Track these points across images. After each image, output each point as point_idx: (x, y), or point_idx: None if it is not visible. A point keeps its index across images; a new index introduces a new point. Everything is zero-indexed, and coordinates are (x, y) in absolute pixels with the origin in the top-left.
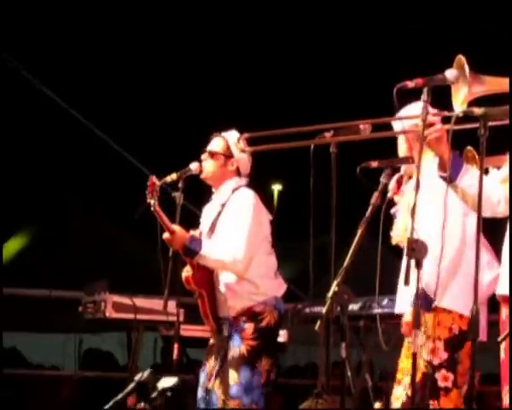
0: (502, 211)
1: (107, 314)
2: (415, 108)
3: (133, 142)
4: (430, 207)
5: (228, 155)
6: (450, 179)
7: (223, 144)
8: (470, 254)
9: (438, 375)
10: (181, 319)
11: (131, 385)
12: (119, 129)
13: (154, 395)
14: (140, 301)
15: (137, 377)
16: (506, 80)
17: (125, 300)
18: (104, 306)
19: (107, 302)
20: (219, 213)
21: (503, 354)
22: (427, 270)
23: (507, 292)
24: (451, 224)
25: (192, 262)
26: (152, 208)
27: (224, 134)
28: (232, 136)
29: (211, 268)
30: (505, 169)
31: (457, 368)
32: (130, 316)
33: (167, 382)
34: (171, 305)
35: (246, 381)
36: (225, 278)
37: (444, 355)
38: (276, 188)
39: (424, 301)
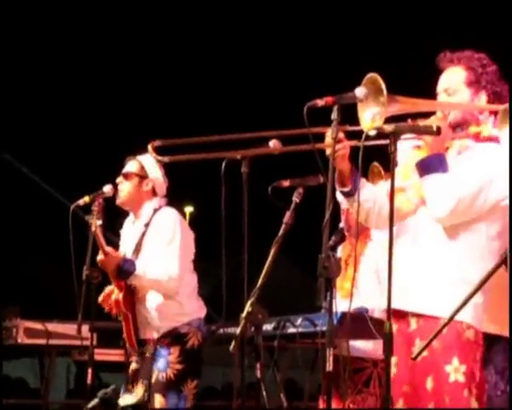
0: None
1: (19, 340)
2: None
3: (47, 171)
4: None
5: (142, 176)
6: (349, 194)
7: (137, 166)
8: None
9: None
10: (94, 343)
11: (94, 401)
12: (32, 158)
13: None
14: (53, 326)
15: (100, 394)
16: (419, 101)
17: (37, 325)
18: (16, 332)
19: (19, 328)
20: (144, 234)
21: (394, 369)
22: None
23: (396, 306)
24: None
25: (120, 284)
26: (93, 228)
27: (137, 157)
28: (147, 158)
29: (143, 288)
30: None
31: None
32: (43, 341)
33: (128, 399)
34: (85, 329)
35: (173, 406)
36: (152, 299)
37: None
38: (188, 210)
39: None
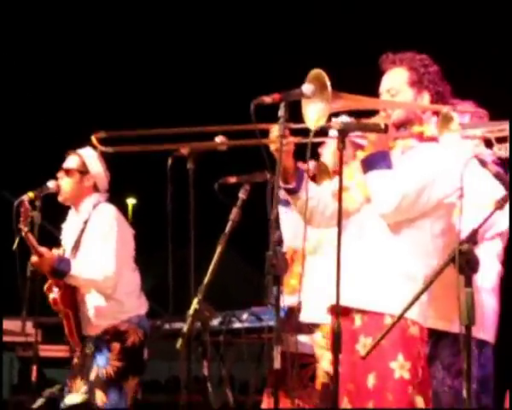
0: (333, 224)
1: None
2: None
3: None
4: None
5: (83, 171)
6: (293, 191)
7: (77, 161)
8: None
9: None
10: (39, 339)
11: (40, 401)
12: None
13: None
14: None
15: (46, 393)
16: (363, 98)
17: None
18: None
19: None
20: (82, 231)
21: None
22: None
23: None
24: None
25: (58, 283)
26: (23, 234)
27: (78, 151)
28: (88, 152)
29: (78, 287)
30: (335, 182)
31: None
32: None
33: (73, 398)
34: (29, 325)
35: (114, 403)
36: (91, 298)
37: None
38: (131, 202)
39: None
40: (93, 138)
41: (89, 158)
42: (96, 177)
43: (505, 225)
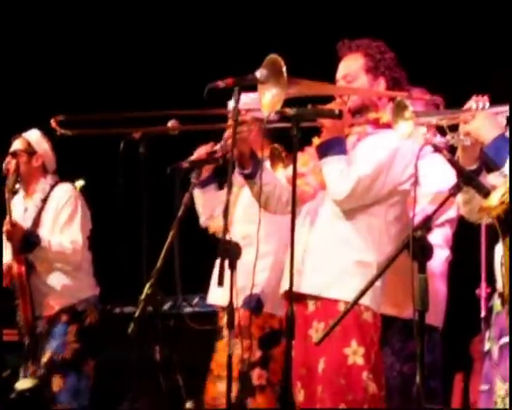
0: (289, 211)
1: None
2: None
3: None
4: None
5: (30, 152)
6: (250, 176)
7: (23, 143)
8: None
9: (253, 373)
10: None
11: None
12: None
13: (13, 395)
14: None
15: None
16: (319, 84)
17: None
18: None
19: None
20: (42, 209)
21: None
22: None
23: (294, 289)
24: None
25: (19, 258)
26: (6, 195)
27: (23, 134)
28: (33, 134)
29: (46, 261)
30: (290, 168)
31: (270, 366)
32: None
33: (24, 383)
34: None
35: (72, 386)
36: (50, 276)
37: (258, 353)
38: (79, 184)
39: (256, 304)
40: (52, 121)
41: (34, 138)
42: (44, 156)
43: (454, 213)
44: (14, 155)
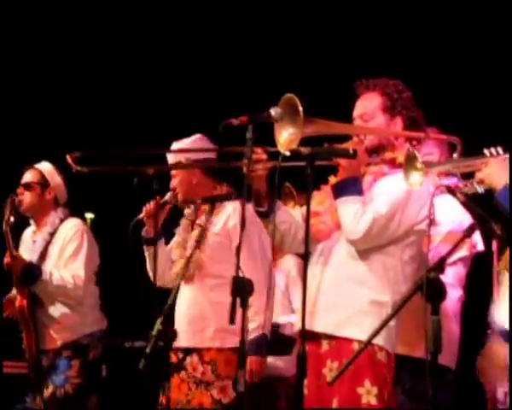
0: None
1: None
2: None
3: None
4: None
5: (44, 184)
6: (266, 214)
7: (37, 175)
8: None
9: None
10: None
11: None
12: None
13: None
14: None
15: None
16: (335, 123)
17: None
18: None
19: None
20: (49, 243)
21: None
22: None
23: (308, 328)
24: None
25: (23, 291)
26: (4, 227)
27: (36, 166)
28: (46, 166)
29: (48, 295)
30: (304, 207)
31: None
32: None
33: None
34: None
35: None
36: (54, 309)
37: (232, 394)
38: (89, 217)
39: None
40: (68, 158)
41: (47, 170)
42: (57, 189)
43: (467, 251)
44: (28, 186)
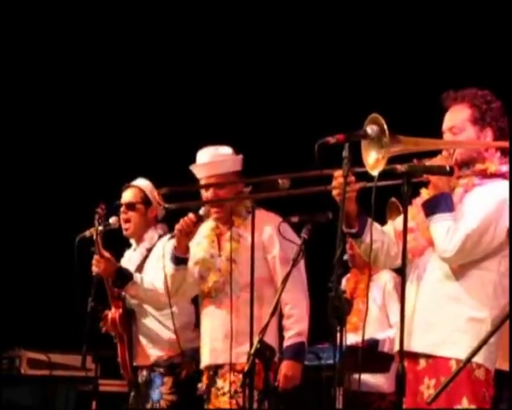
0: (397, 264)
1: (22, 371)
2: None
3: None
4: None
5: (147, 203)
6: (357, 235)
7: (140, 194)
8: None
9: None
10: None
11: None
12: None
13: None
14: (56, 357)
15: None
16: (422, 140)
17: (40, 356)
18: (19, 363)
19: (22, 359)
20: (145, 258)
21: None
22: None
23: (406, 348)
24: None
25: (117, 303)
26: (94, 234)
27: (135, 184)
28: (146, 184)
29: (140, 300)
30: (399, 222)
31: None
32: (46, 372)
33: None
34: (88, 359)
35: None
36: (147, 325)
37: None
38: None
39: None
40: (157, 195)
41: (149, 189)
42: (157, 208)
43: None
44: (132, 207)
